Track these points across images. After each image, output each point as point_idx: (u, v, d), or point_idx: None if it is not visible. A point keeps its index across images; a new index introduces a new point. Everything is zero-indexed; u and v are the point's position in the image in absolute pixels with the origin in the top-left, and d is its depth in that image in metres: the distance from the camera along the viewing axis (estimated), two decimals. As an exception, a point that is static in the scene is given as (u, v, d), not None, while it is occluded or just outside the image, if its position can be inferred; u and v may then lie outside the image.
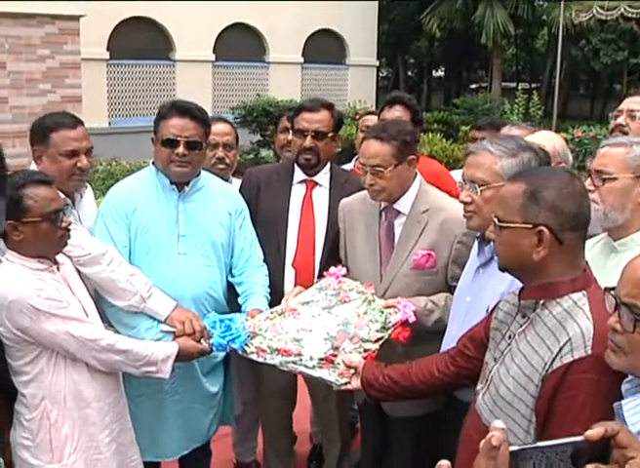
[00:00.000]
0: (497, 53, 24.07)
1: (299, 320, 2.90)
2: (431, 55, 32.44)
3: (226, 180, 3.64)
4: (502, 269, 2.14)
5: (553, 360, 1.89)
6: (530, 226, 1.97)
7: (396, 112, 4.04)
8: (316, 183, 3.56)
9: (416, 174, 3.12)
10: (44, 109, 10.61)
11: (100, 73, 15.94)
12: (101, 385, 2.81)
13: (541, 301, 2.02)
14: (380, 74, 32.56)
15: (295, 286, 3.27)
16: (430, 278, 3.02)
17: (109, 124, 16.14)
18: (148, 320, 3.05)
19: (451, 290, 2.95)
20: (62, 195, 2.93)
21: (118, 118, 16.60)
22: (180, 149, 3.06)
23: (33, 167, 3.17)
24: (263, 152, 14.19)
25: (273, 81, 18.94)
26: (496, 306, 2.28)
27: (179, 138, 3.07)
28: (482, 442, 1.10)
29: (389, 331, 2.80)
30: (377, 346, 2.78)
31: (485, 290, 2.59)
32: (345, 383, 2.66)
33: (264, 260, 3.40)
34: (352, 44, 20.49)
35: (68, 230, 2.75)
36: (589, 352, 1.83)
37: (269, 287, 3.34)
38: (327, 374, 2.70)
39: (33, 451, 2.71)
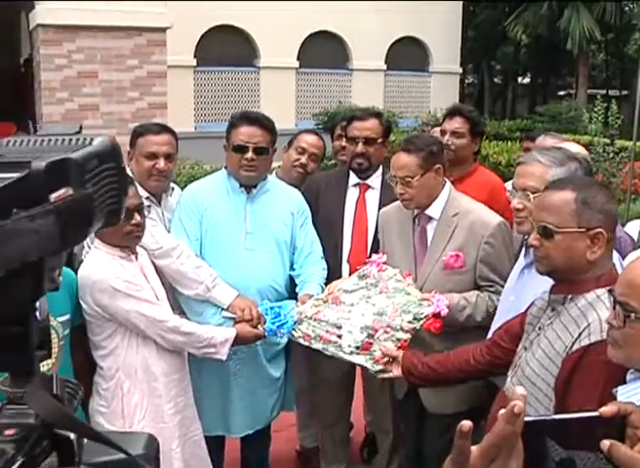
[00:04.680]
0: (582, 59, 23.59)
1: (340, 307, 3.17)
2: (517, 61, 31.98)
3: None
4: (548, 273, 2.29)
5: (573, 343, 2.10)
6: (584, 230, 2.17)
7: (455, 124, 4.15)
8: (369, 186, 3.84)
9: (445, 181, 3.29)
10: (132, 116, 11.12)
11: (187, 80, 16.44)
12: (168, 362, 3.13)
13: (569, 296, 2.22)
14: (466, 81, 32.36)
15: None
16: (460, 277, 3.18)
17: (195, 128, 16.55)
18: (213, 307, 3.37)
19: (480, 288, 3.18)
20: (146, 194, 3.40)
21: (204, 123, 17.00)
22: (249, 155, 3.37)
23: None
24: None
25: (356, 88, 19.07)
26: (532, 303, 2.46)
27: (248, 145, 3.38)
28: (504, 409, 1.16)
29: (421, 322, 3.00)
30: (409, 336, 3.00)
31: (527, 290, 2.73)
32: (381, 371, 2.94)
33: (324, 257, 3.68)
34: (435, 51, 20.41)
35: (139, 227, 3.02)
36: (605, 337, 1.96)
37: (327, 279, 3.58)
38: (363, 361, 3.02)
39: (108, 417, 3.04)
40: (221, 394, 3.48)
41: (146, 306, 3.03)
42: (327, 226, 3.75)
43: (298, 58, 18.25)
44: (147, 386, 3.07)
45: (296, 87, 18.44)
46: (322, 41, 18.42)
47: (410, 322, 3.00)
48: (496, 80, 34.98)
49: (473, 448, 0.92)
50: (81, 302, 3.00)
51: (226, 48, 17.08)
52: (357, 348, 3.03)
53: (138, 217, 3.00)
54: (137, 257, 3.12)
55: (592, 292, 2.17)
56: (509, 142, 12.93)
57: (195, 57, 16.76)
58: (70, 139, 0.80)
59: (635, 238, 3.57)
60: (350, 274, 3.58)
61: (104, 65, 11.43)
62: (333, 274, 3.63)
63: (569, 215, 2.18)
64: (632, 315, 1.77)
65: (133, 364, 3.05)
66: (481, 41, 28.32)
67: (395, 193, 3.27)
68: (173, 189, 3.66)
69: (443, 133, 4.14)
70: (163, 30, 11.93)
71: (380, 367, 2.97)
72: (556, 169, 2.67)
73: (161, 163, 3.42)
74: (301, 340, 3.18)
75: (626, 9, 23.70)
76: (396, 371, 2.89)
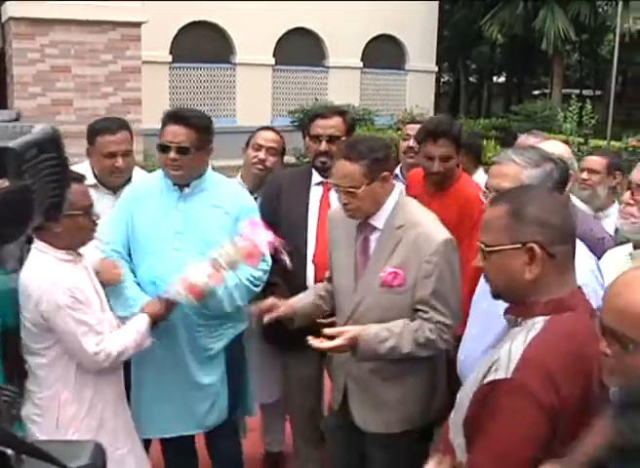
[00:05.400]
0: (557, 59, 23.74)
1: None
2: (492, 60, 32.15)
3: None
4: (495, 296, 2.08)
5: (484, 376, 1.89)
6: (519, 245, 1.92)
7: (443, 148, 3.78)
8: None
9: (393, 187, 3.05)
10: (107, 111, 10.99)
11: (162, 76, 16.33)
12: (108, 374, 3.06)
13: (519, 319, 1.99)
14: (442, 79, 32.44)
15: (315, 280, 3.52)
16: (398, 297, 2.91)
17: (170, 125, 16.40)
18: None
19: (416, 312, 2.91)
20: (106, 190, 3.65)
21: (179, 120, 16.85)
22: (172, 154, 3.29)
23: (86, 163, 3.76)
24: (319, 156, 14.27)
25: (332, 85, 19.06)
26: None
27: (170, 144, 3.30)
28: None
29: (231, 251, 3.08)
30: (204, 281, 3.06)
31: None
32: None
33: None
34: (412, 49, 20.46)
35: (96, 224, 3.00)
36: (509, 375, 1.81)
37: (293, 281, 3.54)
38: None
39: (41, 427, 2.95)
40: (153, 396, 3.42)
41: (86, 338, 2.90)
42: (290, 226, 3.64)
43: (274, 55, 18.20)
44: (86, 398, 2.99)
45: (272, 84, 18.39)
46: (298, 38, 18.41)
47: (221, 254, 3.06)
48: (471, 79, 35.17)
49: None
50: (21, 308, 2.89)
51: (202, 44, 17.01)
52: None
53: (96, 213, 2.99)
54: (81, 259, 3.03)
55: (532, 319, 1.92)
56: (485, 141, 12.95)
57: (171, 53, 16.66)
58: (7, 127, 0.74)
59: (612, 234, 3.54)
60: (316, 276, 3.55)
61: (78, 60, 11.28)
62: (298, 276, 3.55)
63: (500, 231, 1.96)
64: (630, 346, 1.58)
65: (72, 373, 2.96)
66: (457, 40, 28.42)
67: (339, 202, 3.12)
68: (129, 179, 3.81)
69: (429, 158, 3.77)
70: (138, 25, 11.81)
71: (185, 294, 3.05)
72: (531, 170, 2.58)
73: (119, 161, 3.67)
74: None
75: (600, 10, 23.86)
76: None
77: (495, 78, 35.93)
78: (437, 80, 22.88)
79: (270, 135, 4.12)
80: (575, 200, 3.56)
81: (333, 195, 3.64)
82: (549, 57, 24.43)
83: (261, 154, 3.99)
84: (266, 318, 3.11)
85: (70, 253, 2.95)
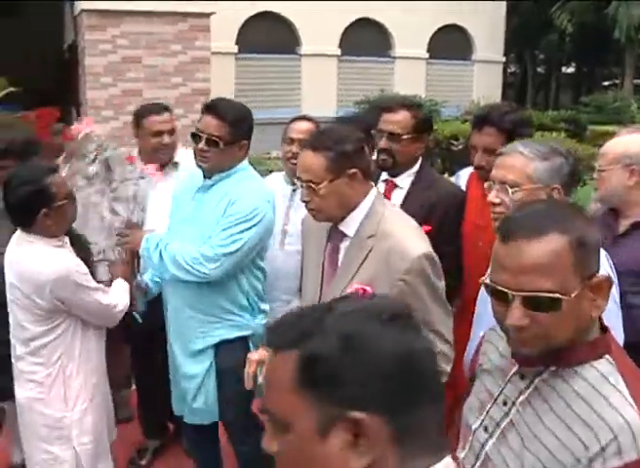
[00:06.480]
0: (629, 48, 23.13)
1: None
2: (562, 50, 31.45)
3: None
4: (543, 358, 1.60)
5: (591, 461, 1.47)
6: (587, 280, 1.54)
7: (487, 139, 3.30)
8: (396, 185, 3.51)
9: (370, 188, 2.63)
10: (176, 101, 11.12)
11: (228, 66, 16.43)
12: (99, 340, 3.31)
13: (554, 369, 1.60)
14: (509, 70, 31.87)
15: None
16: None
17: (236, 116, 16.49)
18: None
19: None
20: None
21: (244, 110, 16.93)
22: (201, 145, 3.23)
23: (135, 150, 4.12)
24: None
25: (398, 76, 18.91)
26: (484, 336, 1.92)
27: (201, 134, 3.23)
28: None
29: None
30: None
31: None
32: None
33: None
34: (479, 39, 20.16)
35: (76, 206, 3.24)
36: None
37: None
38: None
39: (47, 403, 3.14)
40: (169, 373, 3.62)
41: (102, 295, 3.18)
42: None
43: (339, 46, 18.14)
44: (89, 367, 3.22)
45: (337, 74, 18.34)
46: (364, 28, 18.30)
47: None
48: (539, 69, 34.46)
49: None
50: (24, 298, 3.04)
51: (268, 35, 17.06)
52: None
53: None
54: (66, 240, 3.22)
55: (588, 365, 1.56)
56: (554, 133, 12.69)
57: (237, 43, 16.75)
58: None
59: None
60: None
61: (148, 51, 11.47)
62: None
63: (568, 270, 1.52)
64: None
65: (76, 347, 3.16)
66: (525, 29, 27.86)
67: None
68: (177, 164, 4.11)
69: (473, 148, 3.35)
70: (207, 16, 11.92)
71: None
72: (539, 163, 2.43)
73: (166, 138, 4.03)
74: None
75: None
76: None
77: (563, 68, 35.15)
78: (504, 71, 22.48)
79: (304, 125, 3.85)
80: None
81: (395, 196, 3.46)
82: (621, 46, 23.81)
83: (294, 148, 3.70)
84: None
85: (59, 238, 3.13)
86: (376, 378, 1.05)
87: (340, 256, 2.63)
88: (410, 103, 3.59)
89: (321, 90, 17.30)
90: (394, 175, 3.51)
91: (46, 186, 3.03)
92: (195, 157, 3.29)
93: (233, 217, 3.19)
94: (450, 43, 19.64)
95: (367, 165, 2.61)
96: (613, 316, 2.15)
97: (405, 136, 3.40)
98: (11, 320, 3.17)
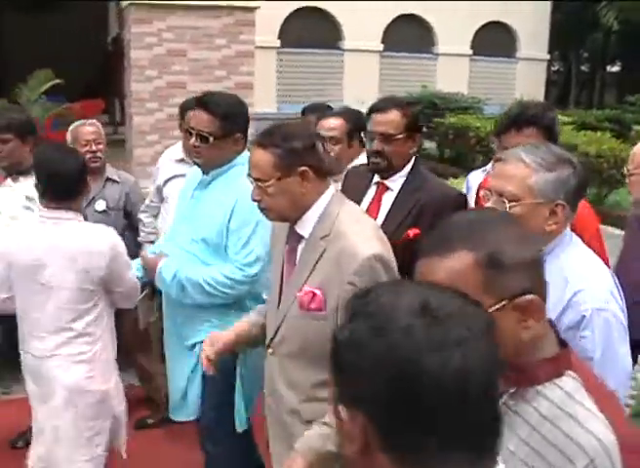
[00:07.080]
0: (678, 48, 22.70)
1: None
2: (607, 49, 30.99)
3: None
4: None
5: None
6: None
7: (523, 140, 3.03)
8: (387, 187, 3.35)
9: (324, 188, 2.51)
10: (218, 95, 11.16)
11: (270, 61, 16.46)
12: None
13: (519, 390, 1.50)
14: (552, 68, 31.49)
15: None
16: (319, 324, 2.35)
17: (278, 109, 16.54)
18: None
19: None
20: (190, 164, 3.73)
21: (286, 104, 16.90)
22: (192, 140, 3.19)
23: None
24: (427, 144, 14.15)
25: (441, 73, 18.76)
26: None
27: (192, 130, 3.19)
28: None
29: None
30: None
31: None
32: None
33: None
34: (523, 37, 19.91)
35: None
36: None
37: None
38: None
39: (96, 381, 3.28)
40: None
41: (133, 276, 3.42)
42: None
43: (382, 42, 18.08)
44: (114, 340, 3.44)
45: (379, 70, 18.27)
46: (407, 25, 18.20)
47: None
48: (583, 68, 34.01)
49: None
50: (88, 272, 3.15)
51: (311, 30, 17.05)
52: None
53: None
54: None
55: (549, 383, 1.47)
56: (599, 132, 12.53)
57: (279, 38, 16.78)
58: None
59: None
60: None
61: (193, 44, 11.51)
62: None
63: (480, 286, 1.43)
64: None
65: (109, 325, 3.37)
66: (570, 27, 27.50)
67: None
68: None
69: (505, 148, 2.94)
70: (252, 10, 11.95)
71: None
72: (543, 174, 2.13)
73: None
74: None
75: None
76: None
77: (608, 67, 34.63)
78: (548, 68, 22.19)
79: (328, 122, 3.79)
80: None
81: (386, 198, 3.34)
82: (668, 45, 23.40)
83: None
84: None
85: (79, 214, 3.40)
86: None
87: (297, 257, 2.53)
88: (399, 102, 3.41)
89: (363, 85, 17.22)
90: (386, 178, 3.36)
91: (83, 161, 3.28)
92: (190, 153, 3.29)
93: (248, 229, 3.15)
94: (494, 40, 19.43)
95: (319, 163, 2.47)
96: (609, 361, 2.05)
97: (398, 137, 3.24)
98: (46, 313, 3.18)
